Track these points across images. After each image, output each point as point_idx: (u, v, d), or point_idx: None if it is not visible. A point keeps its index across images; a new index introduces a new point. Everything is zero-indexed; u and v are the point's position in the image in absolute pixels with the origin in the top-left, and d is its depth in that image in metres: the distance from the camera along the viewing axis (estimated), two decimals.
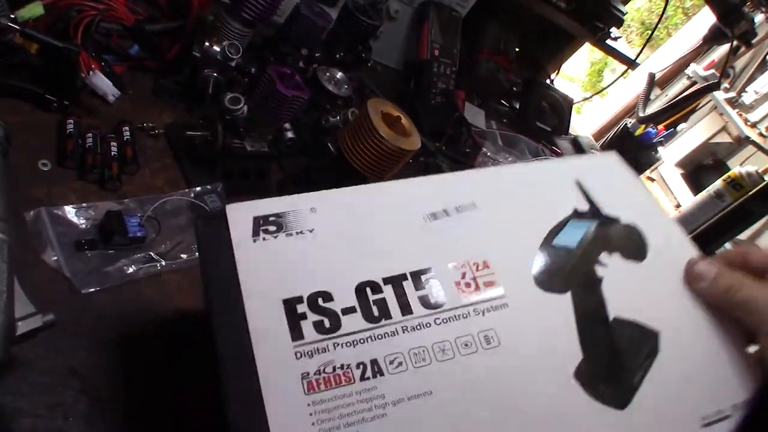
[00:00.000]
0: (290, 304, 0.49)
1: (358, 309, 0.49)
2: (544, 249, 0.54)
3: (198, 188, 0.78)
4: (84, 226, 0.67)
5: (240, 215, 0.52)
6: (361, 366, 0.47)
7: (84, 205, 0.68)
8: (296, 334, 0.47)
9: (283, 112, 0.77)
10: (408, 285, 0.50)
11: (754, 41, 1.62)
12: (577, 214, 0.57)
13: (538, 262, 0.53)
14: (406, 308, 0.49)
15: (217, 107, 0.79)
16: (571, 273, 0.52)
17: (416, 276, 0.51)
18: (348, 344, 0.47)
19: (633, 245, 0.56)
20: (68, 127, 0.72)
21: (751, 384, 0.48)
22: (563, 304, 0.51)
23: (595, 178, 0.59)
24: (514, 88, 1.56)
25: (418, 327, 0.48)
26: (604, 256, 0.54)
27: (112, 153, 0.73)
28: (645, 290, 0.53)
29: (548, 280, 0.52)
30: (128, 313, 0.63)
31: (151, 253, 0.68)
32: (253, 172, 0.84)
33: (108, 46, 0.84)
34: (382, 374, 0.47)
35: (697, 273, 0.52)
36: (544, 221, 0.55)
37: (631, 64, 1.59)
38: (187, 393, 0.61)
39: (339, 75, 0.94)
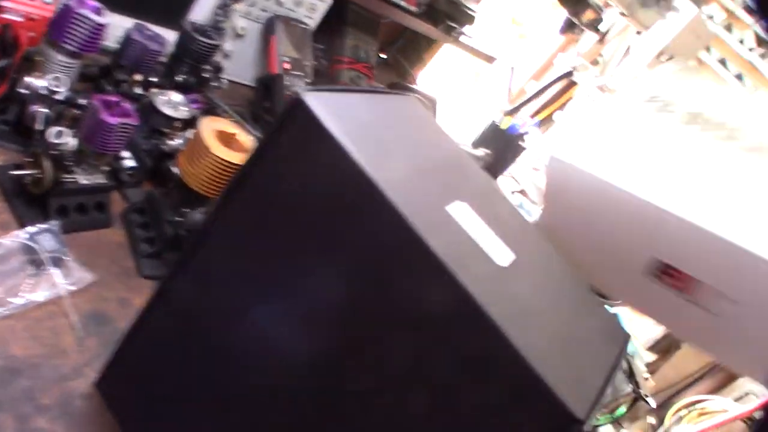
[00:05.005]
0: None
1: None
2: None
3: (33, 229, 0.78)
4: None
5: None
6: None
7: None
8: None
9: (112, 141, 0.79)
10: None
11: (608, 31, 1.77)
12: None
13: None
14: None
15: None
16: None
17: None
18: None
19: None
20: None
21: None
22: None
23: None
24: None
25: None
26: None
27: None
28: None
29: None
30: None
31: None
32: (91, 206, 0.85)
33: None
34: None
35: None
36: None
37: (490, 60, 1.69)
38: None
39: (176, 97, 0.96)
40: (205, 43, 1.02)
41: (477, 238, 0.51)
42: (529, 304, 0.51)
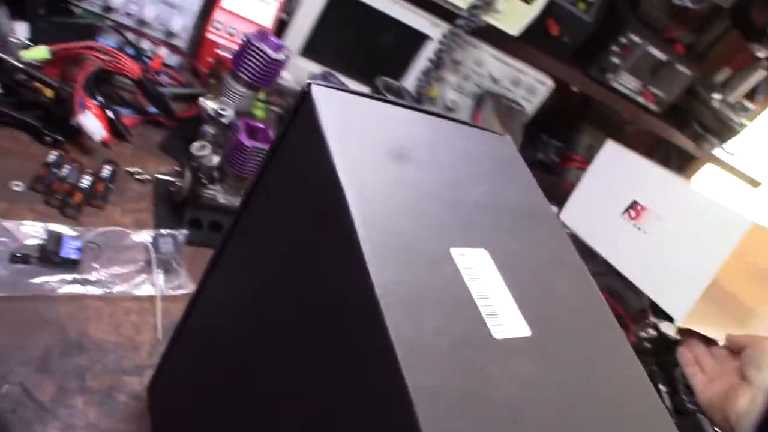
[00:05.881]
0: None
1: None
2: None
3: (161, 232, 0.84)
4: (30, 242, 0.75)
5: None
6: None
7: (34, 223, 0.76)
8: None
9: (247, 164, 0.82)
10: None
11: None
12: None
13: None
14: None
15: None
16: None
17: None
18: None
19: None
20: (50, 157, 0.82)
21: None
22: None
23: None
24: None
25: None
26: None
27: (81, 184, 0.81)
28: None
29: None
30: (28, 324, 0.69)
31: (76, 275, 0.74)
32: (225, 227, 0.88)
33: (124, 99, 0.96)
34: None
35: None
36: None
37: (755, 184, 1.44)
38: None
39: None
40: (390, 101, 1.03)
41: (475, 295, 0.41)
42: (508, 401, 0.38)
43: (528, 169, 0.57)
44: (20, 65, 0.81)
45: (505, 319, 0.41)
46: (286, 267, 0.47)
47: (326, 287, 0.42)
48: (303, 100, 0.46)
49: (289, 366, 0.45)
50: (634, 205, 1.14)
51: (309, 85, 0.46)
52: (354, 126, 0.46)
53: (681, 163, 1.58)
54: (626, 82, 1.31)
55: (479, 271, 0.42)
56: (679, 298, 1.02)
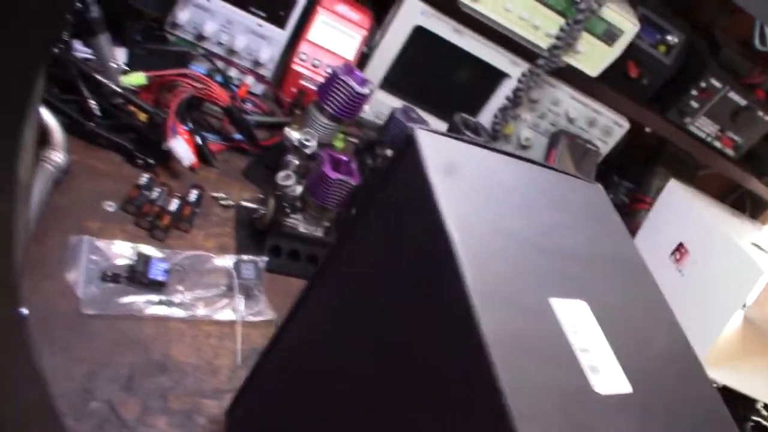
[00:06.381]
0: None
1: None
2: None
3: (243, 257, 0.86)
4: (119, 262, 0.78)
5: None
6: None
7: (122, 243, 0.79)
8: None
9: (330, 195, 0.84)
10: None
11: None
12: None
13: None
14: None
15: None
16: None
17: None
18: None
19: None
20: (141, 180, 0.85)
21: None
22: None
23: None
24: None
25: None
26: None
27: (169, 208, 0.84)
28: None
29: None
30: (115, 342, 0.71)
31: (162, 297, 0.76)
32: (304, 256, 0.90)
33: (211, 125, 0.99)
34: None
35: None
36: None
37: None
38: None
39: None
40: (468, 138, 1.04)
41: (577, 348, 0.41)
42: None
43: (619, 218, 0.57)
44: (119, 90, 0.85)
45: (607, 373, 0.40)
46: (384, 305, 0.48)
47: (424, 327, 0.43)
48: (408, 144, 0.47)
49: (380, 404, 0.46)
50: (679, 247, 1.17)
51: (413, 129, 0.47)
52: (456, 171, 0.47)
53: (754, 209, 1.53)
54: (704, 126, 1.28)
55: (579, 323, 0.42)
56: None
